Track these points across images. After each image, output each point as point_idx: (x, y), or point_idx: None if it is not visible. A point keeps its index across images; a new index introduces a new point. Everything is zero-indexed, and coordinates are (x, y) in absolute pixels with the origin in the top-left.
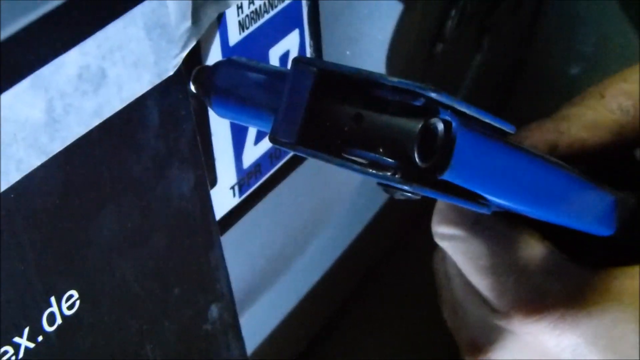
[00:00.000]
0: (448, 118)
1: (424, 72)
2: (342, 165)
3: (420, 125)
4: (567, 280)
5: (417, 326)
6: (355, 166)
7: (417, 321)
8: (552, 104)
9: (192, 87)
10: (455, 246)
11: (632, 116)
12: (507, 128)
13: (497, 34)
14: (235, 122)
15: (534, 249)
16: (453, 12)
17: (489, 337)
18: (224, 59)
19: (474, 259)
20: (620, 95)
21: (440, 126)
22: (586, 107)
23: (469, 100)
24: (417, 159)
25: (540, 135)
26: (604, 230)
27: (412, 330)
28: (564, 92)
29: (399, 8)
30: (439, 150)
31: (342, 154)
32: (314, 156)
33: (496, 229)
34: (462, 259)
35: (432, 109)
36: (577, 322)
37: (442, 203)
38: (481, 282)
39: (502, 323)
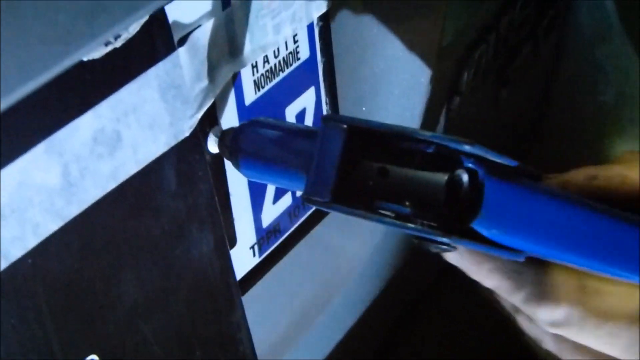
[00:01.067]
0: (473, 167)
1: (441, 126)
2: (377, 221)
3: (446, 177)
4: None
5: None
6: (392, 221)
7: None
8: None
9: (218, 150)
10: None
11: None
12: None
13: (515, 86)
14: (264, 182)
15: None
16: (469, 66)
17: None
18: (248, 120)
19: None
20: None
21: (465, 177)
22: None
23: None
24: (443, 209)
25: (581, 170)
26: None
27: None
28: (583, 142)
29: (414, 63)
30: (465, 200)
31: (377, 209)
32: (350, 213)
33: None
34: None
35: (456, 159)
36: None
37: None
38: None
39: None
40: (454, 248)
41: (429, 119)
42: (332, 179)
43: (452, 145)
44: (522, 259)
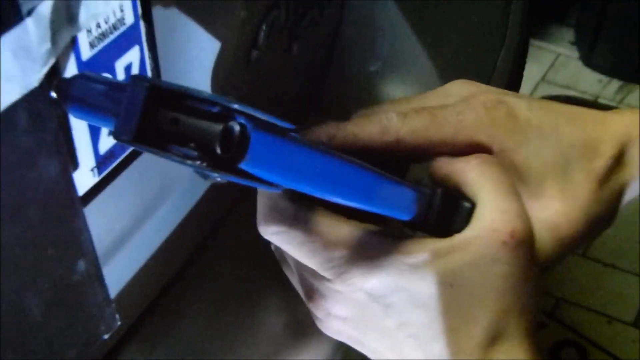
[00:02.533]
0: (243, 121)
1: (243, 75)
2: (166, 158)
3: (220, 127)
4: (366, 248)
5: (253, 276)
6: (175, 158)
7: (255, 270)
8: (353, 97)
9: (54, 95)
10: (281, 239)
11: (395, 121)
12: (287, 126)
13: (305, 41)
14: (88, 122)
15: (342, 229)
16: (264, 24)
17: (325, 295)
18: (78, 73)
19: (297, 246)
20: (389, 109)
21: (237, 127)
22: (365, 114)
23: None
24: (218, 152)
25: (324, 128)
26: (400, 214)
27: (249, 286)
28: (363, 88)
29: (220, 22)
30: (236, 146)
31: (167, 149)
32: (148, 151)
33: (309, 219)
34: (289, 248)
35: (230, 115)
36: (369, 278)
37: (263, 207)
38: (309, 262)
39: (330, 285)
40: (224, 180)
41: (233, 68)
42: (135, 123)
43: (224, 103)
44: (279, 191)
